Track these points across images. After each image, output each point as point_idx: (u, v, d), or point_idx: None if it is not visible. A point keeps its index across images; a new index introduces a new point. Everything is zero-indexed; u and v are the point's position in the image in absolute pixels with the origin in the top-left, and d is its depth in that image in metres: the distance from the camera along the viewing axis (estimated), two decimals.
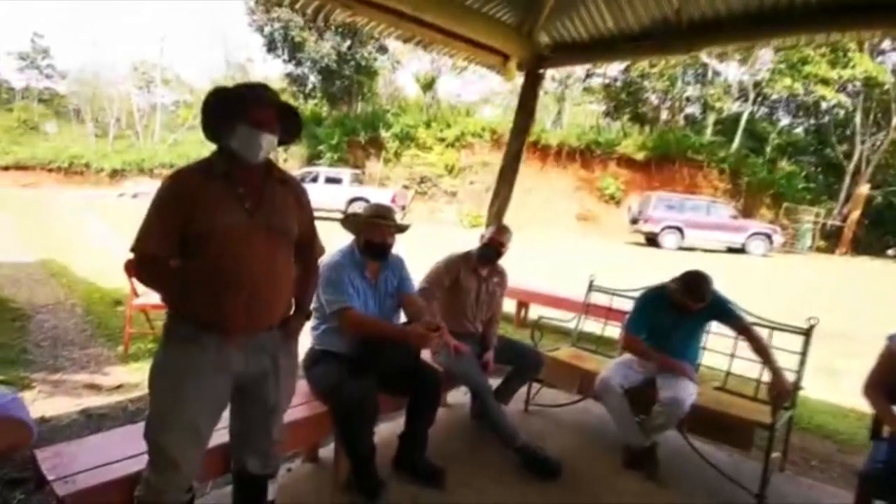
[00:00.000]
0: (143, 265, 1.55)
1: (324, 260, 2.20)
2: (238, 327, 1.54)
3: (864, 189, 17.69)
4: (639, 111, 23.01)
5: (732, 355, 2.89)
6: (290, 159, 19.81)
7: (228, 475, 1.84)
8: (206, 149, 1.64)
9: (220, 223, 1.50)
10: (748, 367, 2.78)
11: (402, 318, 2.51)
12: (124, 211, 14.28)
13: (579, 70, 22.61)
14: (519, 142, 3.81)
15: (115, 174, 25.24)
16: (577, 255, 11.31)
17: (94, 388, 3.40)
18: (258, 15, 21.59)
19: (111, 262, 5.69)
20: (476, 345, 2.86)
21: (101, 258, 7.52)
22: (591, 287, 3.49)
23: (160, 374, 1.55)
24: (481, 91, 30.63)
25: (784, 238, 15.49)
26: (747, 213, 17.00)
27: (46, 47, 37.25)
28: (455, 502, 2.25)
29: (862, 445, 3.27)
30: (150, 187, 16.02)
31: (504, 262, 3.02)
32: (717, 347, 2.91)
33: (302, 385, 2.31)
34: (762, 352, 2.52)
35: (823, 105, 20.38)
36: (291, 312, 1.76)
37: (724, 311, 2.66)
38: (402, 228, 2.43)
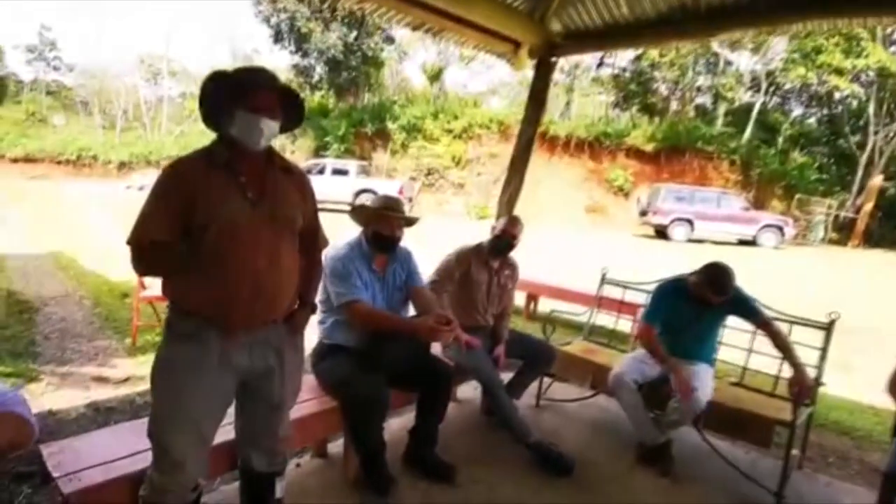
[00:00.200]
0: (142, 254, 1.45)
1: (330, 252, 2.15)
2: (241, 322, 1.49)
3: (877, 180, 17.36)
4: (648, 102, 22.72)
5: (750, 350, 2.83)
6: (297, 151, 19.77)
7: (237, 471, 1.81)
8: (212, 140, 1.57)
9: (223, 214, 1.43)
10: (765, 362, 2.71)
11: (411, 312, 2.45)
12: (132, 203, 14.20)
13: (588, 60, 22.42)
14: (530, 131, 3.73)
15: (123, 166, 25.31)
16: (586, 247, 11.21)
17: (102, 380, 3.40)
18: (265, 5, 21.46)
19: (119, 255, 5.69)
20: (487, 339, 2.81)
21: (108, 250, 7.52)
22: (603, 280, 3.43)
23: (162, 372, 1.50)
24: (489, 82, 30.53)
25: (796, 230, 15.26)
26: (759, 204, 16.73)
27: (54, 40, 37.48)
28: (466, 499, 2.21)
29: (880, 442, 3.22)
30: None
31: (513, 254, 2.97)
32: (734, 342, 2.84)
33: (310, 380, 2.27)
34: (784, 348, 2.45)
35: (836, 95, 19.95)
36: (296, 307, 1.70)
37: (745, 306, 2.58)
38: (412, 221, 2.37)
